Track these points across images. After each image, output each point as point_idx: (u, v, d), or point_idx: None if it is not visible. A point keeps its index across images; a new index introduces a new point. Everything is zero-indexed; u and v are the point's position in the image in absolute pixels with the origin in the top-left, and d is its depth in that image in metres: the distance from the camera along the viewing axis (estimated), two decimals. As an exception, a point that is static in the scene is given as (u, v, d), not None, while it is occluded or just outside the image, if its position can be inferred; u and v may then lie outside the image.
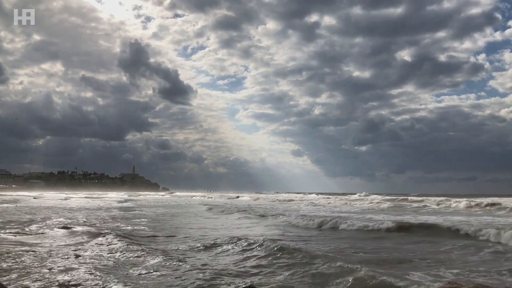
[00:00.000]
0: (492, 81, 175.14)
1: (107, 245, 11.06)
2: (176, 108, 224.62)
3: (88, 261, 8.71)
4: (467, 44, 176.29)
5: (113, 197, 66.20)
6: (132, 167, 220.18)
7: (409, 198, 47.74)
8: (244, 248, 10.65)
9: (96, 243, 11.44)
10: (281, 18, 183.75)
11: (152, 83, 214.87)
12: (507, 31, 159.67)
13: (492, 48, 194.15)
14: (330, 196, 58.87)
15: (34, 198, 53.86)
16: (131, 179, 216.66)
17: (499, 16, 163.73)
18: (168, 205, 40.40)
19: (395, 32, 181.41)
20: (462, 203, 32.27)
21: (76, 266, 8.14)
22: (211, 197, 72.20)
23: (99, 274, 7.42)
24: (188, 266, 8.29)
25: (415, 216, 23.31)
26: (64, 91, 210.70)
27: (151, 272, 7.87)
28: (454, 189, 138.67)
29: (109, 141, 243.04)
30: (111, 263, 8.66)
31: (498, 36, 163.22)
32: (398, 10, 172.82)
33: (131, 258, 9.33)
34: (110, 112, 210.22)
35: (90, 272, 7.54)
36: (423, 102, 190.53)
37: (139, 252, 9.92)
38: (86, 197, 60.73)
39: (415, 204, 35.59)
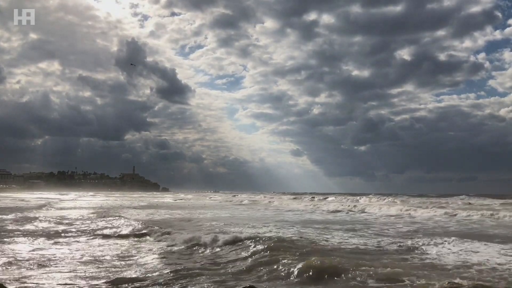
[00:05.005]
0: (491, 81, 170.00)
1: None
2: (175, 107, 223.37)
3: None
4: (467, 43, 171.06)
5: (68, 197, 62.90)
6: (132, 167, 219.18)
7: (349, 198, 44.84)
8: None
9: None
10: (279, 16, 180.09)
11: (150, 83, 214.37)
12: (507, 30, 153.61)
13: (492, 47, 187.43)
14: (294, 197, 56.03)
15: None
16: (131, 179, 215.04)
17: (499, 14, 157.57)
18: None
19: (394, 31, 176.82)
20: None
21: None
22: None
23: None
24: None
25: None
26: (61, 90, 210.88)
27: None
28: (454, 189, 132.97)
29: (108, 141, 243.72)
30: None
31: (498, 35, 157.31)
32: (397, 8, 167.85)
33: None
34: (108, 111, 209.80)
35: None
36: (422, 101, 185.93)
37: None
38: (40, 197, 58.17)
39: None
